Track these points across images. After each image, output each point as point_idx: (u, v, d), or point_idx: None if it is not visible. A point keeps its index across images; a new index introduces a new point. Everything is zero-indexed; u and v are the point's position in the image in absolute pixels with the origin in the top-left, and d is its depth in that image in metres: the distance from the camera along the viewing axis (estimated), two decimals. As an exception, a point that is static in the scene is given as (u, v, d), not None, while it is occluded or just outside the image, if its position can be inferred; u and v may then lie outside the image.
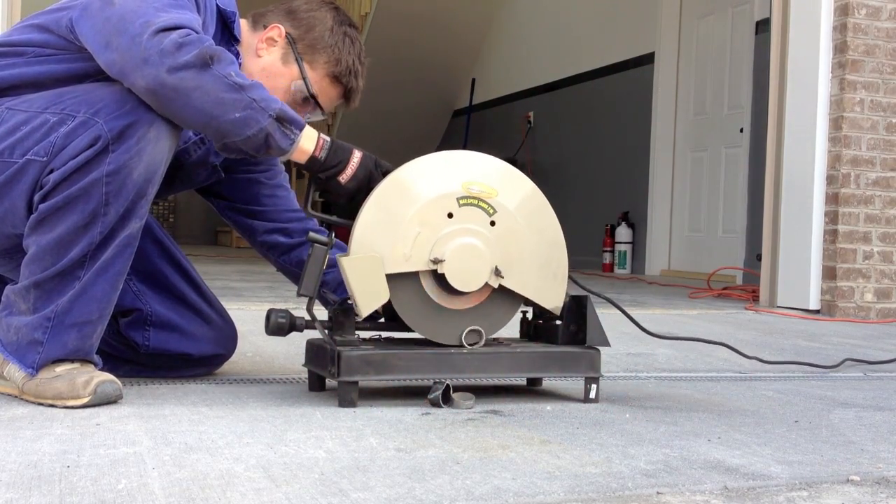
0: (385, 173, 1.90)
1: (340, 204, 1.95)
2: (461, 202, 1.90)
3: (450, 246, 1.88)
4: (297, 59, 2.00)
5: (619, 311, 2.10)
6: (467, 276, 1.90)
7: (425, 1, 9.65)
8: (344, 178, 1.86)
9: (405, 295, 1.90)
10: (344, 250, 2.11)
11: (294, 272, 2.19)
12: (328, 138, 1.86)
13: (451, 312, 1.93)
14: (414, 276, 1.90)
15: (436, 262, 1.88)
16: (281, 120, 1.76)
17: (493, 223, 1.92)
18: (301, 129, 1.80)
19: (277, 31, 2.01)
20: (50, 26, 1.88)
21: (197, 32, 1.75)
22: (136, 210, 1.81)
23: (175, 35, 1.71)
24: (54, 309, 1.78)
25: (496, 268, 1.91)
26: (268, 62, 2.00)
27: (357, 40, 2.06)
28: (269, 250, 2.22)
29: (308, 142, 1.82)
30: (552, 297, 1.98)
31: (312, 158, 1.83)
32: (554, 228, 1.99)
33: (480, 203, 1.91)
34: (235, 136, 1.75)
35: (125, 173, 1.75)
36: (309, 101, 2.02)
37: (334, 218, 1.95)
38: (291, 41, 2.01)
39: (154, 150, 1.78)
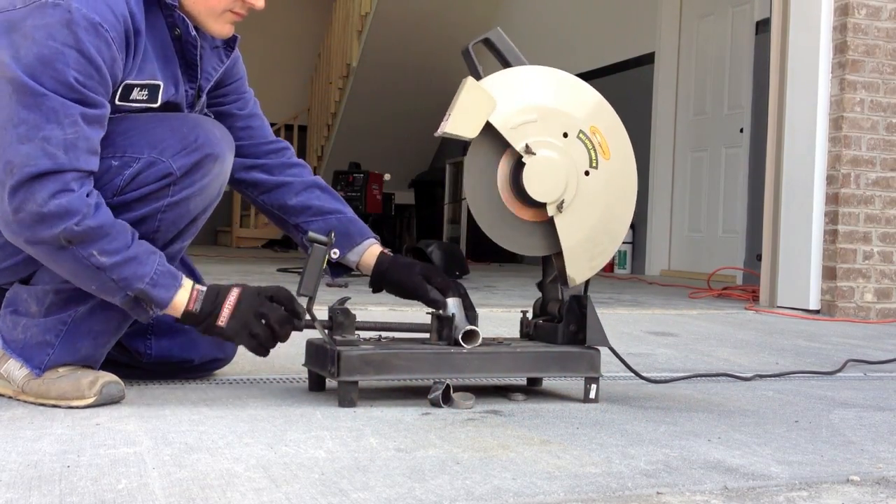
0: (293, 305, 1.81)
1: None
2: (580, 135, 1.96)
3: (545, 151, 1.94)
4: None
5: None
6: (538, 184, 1.93)
7: (425, 1, 9.66)
8: (221, 320, 1.77)
9: (479, 162, 1.95)
10: (342, 250, 2.10)
11: (275, 214, 2.12)
12: (202, 289, 1.77)
13: (501, 208, 1.97)
14: (499, 151, 1.95)
15: (527, 151, 1.92)
16: (141, 299, 1.71)
17: (587, 173, 1.97)
18: (165, 305, 1.73)
19: None
20: None
21: (68, 188, 1.63)
22: (184, 234, 1.83)
23: (40, 197, 1.62)
24: (72, 314, 1.77)
25: (562, 201, 1.94)
26: None
27: None
28: (249, 188, 2.13)
29: (175, 311, 1.75)
30: (577, 270, 2.00)
31: (186, 315, 1.76)
32: (622, 224, 2.02)
33: (592, 150, 1.97)
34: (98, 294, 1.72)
35: (184, 205, 1.78)
36: None
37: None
38: None
39: (214, 183, 1.81)
